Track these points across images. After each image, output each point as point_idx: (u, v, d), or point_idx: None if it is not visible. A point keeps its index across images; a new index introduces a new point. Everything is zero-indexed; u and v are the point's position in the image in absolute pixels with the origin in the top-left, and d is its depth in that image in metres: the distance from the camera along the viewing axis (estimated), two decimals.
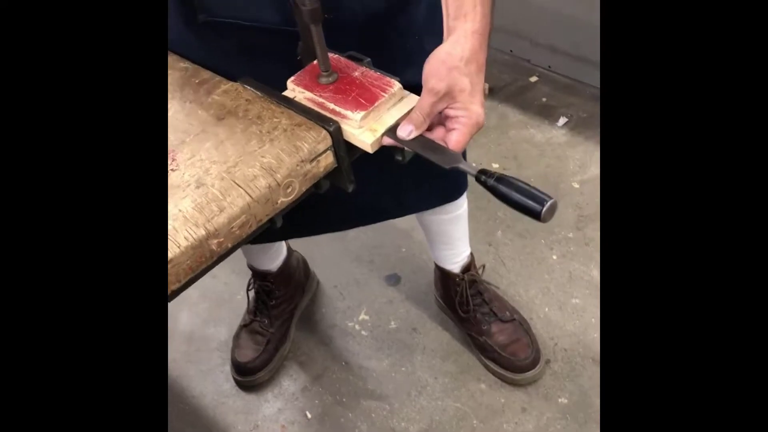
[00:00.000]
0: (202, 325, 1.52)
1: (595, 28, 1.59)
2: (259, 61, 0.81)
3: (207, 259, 0.64)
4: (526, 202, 0.62)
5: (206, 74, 0.79)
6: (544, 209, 0.61)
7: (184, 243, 0.61)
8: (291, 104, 0.72)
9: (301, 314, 1.49)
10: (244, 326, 1.41)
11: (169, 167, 0.68)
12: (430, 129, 0.70)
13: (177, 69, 0.81)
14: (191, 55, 0.82)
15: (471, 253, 1.34)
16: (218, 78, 0.78)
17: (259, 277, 1.37)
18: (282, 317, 1.41)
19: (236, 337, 1.41)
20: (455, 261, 1.31)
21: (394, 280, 1.54)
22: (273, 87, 0.75)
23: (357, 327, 1.46)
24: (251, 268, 1.37)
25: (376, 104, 0.69)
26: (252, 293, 1.40)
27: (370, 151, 0.70)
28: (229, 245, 0.65)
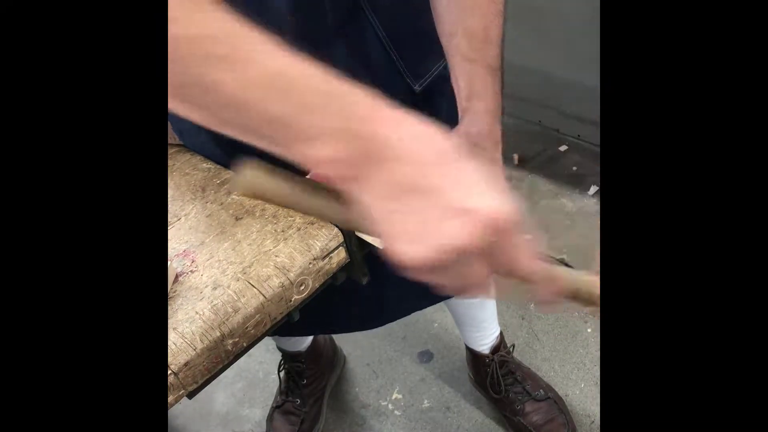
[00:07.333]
0: (237, 405, 1.53)
1: None
2: (279, 164, 0.85)
3: (223, 359, 0.66)
4: None
5: (227, 174, 0.83)
6: None
7: (200, 345, 0.63)
8: None
9: (335, 393, 1.48)
10: (276, 407, 1.41)
11: (189, 269, 0.71)
12: None
13: (201, 170, 0.85)
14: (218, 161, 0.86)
15: (501, 333, 1.32)
16: None
17: (289, 358, 1.38)
18: (314, 395, 1.41)
19: (270, 419, 1.41)
20: (484, 343, 1.30)
21: (427, 357, 1.53)
22: None
23: (390, 406, 1.44)
24: (281, 350, 1.38)
25: None
26: (283, 374, 1.41)
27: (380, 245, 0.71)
28: (245, 344, 0.67)
